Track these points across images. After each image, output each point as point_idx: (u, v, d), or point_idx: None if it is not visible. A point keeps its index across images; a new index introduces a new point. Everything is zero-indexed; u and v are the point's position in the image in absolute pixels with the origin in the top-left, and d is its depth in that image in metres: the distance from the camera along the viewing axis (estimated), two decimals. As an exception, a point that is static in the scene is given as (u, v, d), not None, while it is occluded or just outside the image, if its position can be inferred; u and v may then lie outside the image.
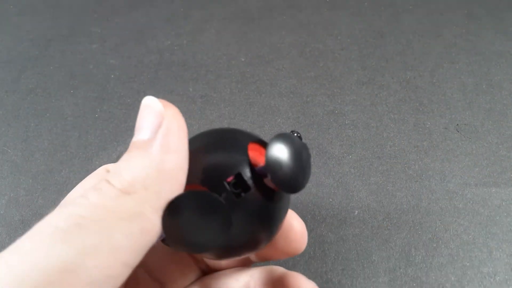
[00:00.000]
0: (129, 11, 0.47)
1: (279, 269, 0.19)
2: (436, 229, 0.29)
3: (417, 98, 0.37)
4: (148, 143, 0.13)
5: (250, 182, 0.15)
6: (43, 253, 0.11)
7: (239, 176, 0.15)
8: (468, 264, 0.28)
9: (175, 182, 0.14)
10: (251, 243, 0.16)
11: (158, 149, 0.13)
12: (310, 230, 0.30)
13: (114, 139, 0.36)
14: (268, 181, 0.15)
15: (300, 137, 0.17)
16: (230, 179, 0.15)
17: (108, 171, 0.19)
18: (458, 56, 0.40)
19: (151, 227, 0.13)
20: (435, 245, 0.29)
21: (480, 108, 0.36)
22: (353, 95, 0.38)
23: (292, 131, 0.17)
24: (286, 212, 0.17)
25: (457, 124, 0.35)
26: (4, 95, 0.40)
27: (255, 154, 0.16)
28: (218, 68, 0.41)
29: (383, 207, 0.30)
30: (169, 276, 0.19)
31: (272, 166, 0.14)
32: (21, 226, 0.31)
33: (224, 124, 0.36)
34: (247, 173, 0.15)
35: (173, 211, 0.14)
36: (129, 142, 0.37)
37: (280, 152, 0.15)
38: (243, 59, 0.41)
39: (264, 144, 0.17)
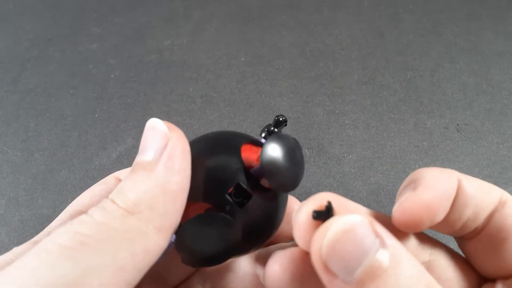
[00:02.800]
0: (129, 10, 0.47)
1: (286, 244, 0.19)
2: (437, 229, 0.29)
3: (417, 98, 0.37)
4: (153, 163, 0.14)
5: (249, 189, 0.15)
6: (49, 270, 0.11)
7: (238, 186, 0.15)
8: (468, 264, 0.28)
9: (178, 202, 0.14)
10: (260, 240, 0.17)
11: (163, 170, 0.14)
12: (310, 230, 0.29)
13: (114, 139, 0.36)
14: (264, 181, 0.16)
15: (285, 121, 0.18)
16: (230, 190, 0.15)
17: (117, 178, 0.19)
18: (459, 56, 0.40)
19: (154, 246, 0.13)
20: (435, 245, 0.29)
21: (480, 108, 0.36)
22: (353, 95, 0.38)
23: (277, 116, 0.18)
24: (286, 202, 0.18)
25: (458, 124, 0.35)
26: (4, 95, 0.40)
27: (248, 155, 0.16)
28: (218, 67, 0.41)
29: (383, 207, 0.30)
30: (169, 268, 0.19)
31: (267, 170, 0.15)
32: (21, 226, 0.31)
33: (224, 124, 0.36)
34: (245, 180, 0.15)
35: (185, 234, 0.14)
36: (129, 142, 0.37)
37: (274, 155, 0.15)
38: (243, 59, 0.41)
39: (256, 143, 0.17)
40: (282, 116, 0.18)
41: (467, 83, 0.38)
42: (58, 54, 0.43)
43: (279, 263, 0.15)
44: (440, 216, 0.15)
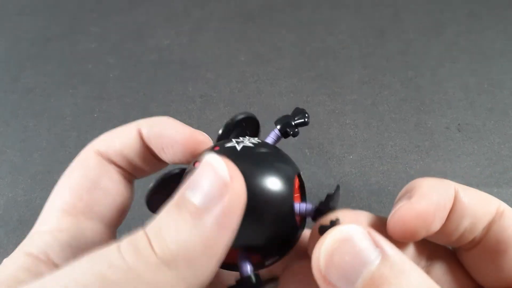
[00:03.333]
0: (128, 10, 0.47)
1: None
2: (438, 229, 0.29)
3: (418, 98, 0.37)
4: (203, 211, 0.12)
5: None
6: None
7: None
8: (469, 265, 0.28)
9: (216, 260, 0.13)
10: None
11: (212, 225, 0.12)
12: (310, 230, 0.29)
13: (113, 139, 0.35)
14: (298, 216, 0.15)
15: (308, 117, 0.18)
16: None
17: (97, 153, 0.18)
18: (460, 55, 0.40)
19: None
20: (436, 246, 0.28)
21: (481, 108, 0.36)
22: (353, 95, 0.37)
23: (297, 109, 0.17)
24: None
25: (459, 124, 0.35)
26: (3, 94, 0.39)
27: (295, 193, 0.16)
28: (218, 67, 0.40)
29: (384, 208, 0.30)
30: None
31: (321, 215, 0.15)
32: (20, 226, 0.31)
33: (223, 123, 0.35)
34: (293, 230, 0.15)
35: None
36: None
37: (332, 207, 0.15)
38: (242, 58, 0.41)
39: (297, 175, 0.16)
40: (305, 110, 0.18)
41: (468, 83, 0.38)
42: (57, 53, 0.43)
43: (296, 276, 0.15)
44: (436, 226, 0.15)
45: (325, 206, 0.15)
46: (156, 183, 0.17)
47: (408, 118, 0.35)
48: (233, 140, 0.16)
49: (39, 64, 0.42)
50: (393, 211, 0.15)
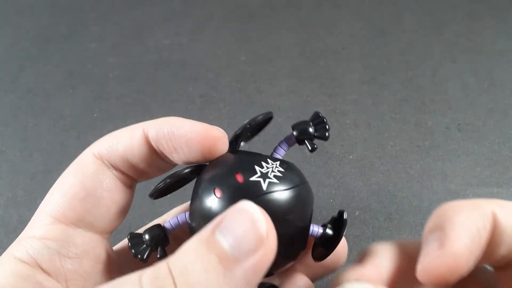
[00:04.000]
0: (128, 10, 0.47)
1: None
2: (438, 229, 0.29)
3: (419, 98, 0.37)
4: (234, 263, 0.11)
5: None
6: None
7: None
8: (470, 265, 0.28)
9: None
10: None
11: (241, 278, 0.11)
12: (310, 230, 0.29)
13: (113, 139, 0.35)
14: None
15: (328, 130, 0.18)
16: None
17: (97, 157, 0.17)
18: (460, 55, 0.40)
19: None
20: (436, 246, 0.28)
21: (482, 108, 0.36)
22: (354, 95, 0.37)
23: (316, 114, 0.18)
24: None
25: (459, 124, 0.35)
26: (3, 94, 0.39)
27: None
28: (218, 67, 0.40)
29: (384, 208, 0.30)
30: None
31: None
32: (20, 226, 0.31)
33: (224, 124, 0.35)
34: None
35: None
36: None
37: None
38: (243, 58, 0.41)
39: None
40: (325, 122, 0.18)
41: (469, 83, 0.38)
42: (57, 53, 0.43)
43: None
44: (470, 266, 0.14)
45: (334, 231, 0.16)
46: (167, 184, 0.16)
47: (408, 118, 0.35)
48: (257, 169, 0.15)
49: (39, 64, 0.42)
50: (423, 257, 0.14)
